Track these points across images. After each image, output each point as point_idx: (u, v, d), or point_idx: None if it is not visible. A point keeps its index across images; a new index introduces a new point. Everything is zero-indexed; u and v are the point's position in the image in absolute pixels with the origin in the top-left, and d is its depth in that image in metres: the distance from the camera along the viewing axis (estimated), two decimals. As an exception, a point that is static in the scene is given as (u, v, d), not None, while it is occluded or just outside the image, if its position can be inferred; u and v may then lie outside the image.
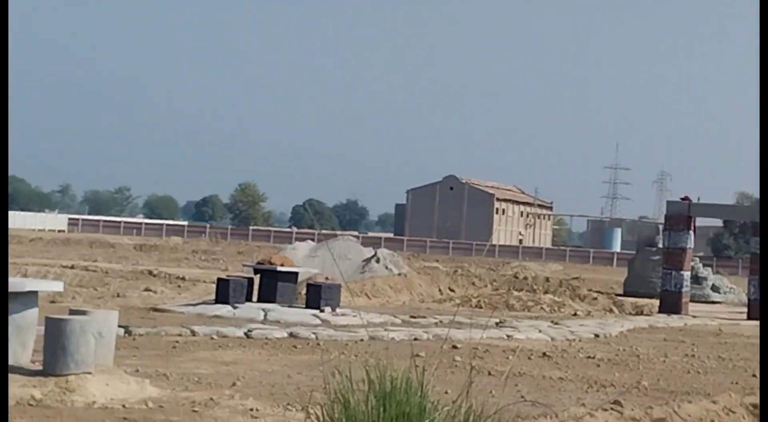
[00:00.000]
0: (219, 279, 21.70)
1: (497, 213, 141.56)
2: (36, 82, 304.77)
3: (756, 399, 11.99)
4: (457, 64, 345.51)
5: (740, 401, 11.86)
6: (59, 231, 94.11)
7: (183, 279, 29.66)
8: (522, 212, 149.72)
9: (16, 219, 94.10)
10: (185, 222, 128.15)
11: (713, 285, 39.06)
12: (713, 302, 36.97)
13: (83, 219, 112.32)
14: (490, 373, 13.39)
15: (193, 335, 15.96)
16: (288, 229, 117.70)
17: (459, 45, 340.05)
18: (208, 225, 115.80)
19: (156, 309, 20.20)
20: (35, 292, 10.60)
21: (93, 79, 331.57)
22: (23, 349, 10.39)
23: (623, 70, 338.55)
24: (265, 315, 19.63)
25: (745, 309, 29.85)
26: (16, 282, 10.56)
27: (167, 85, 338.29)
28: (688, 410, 11.11)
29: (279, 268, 21.78)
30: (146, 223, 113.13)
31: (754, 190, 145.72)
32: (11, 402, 9.13)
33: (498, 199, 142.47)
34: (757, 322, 27.46)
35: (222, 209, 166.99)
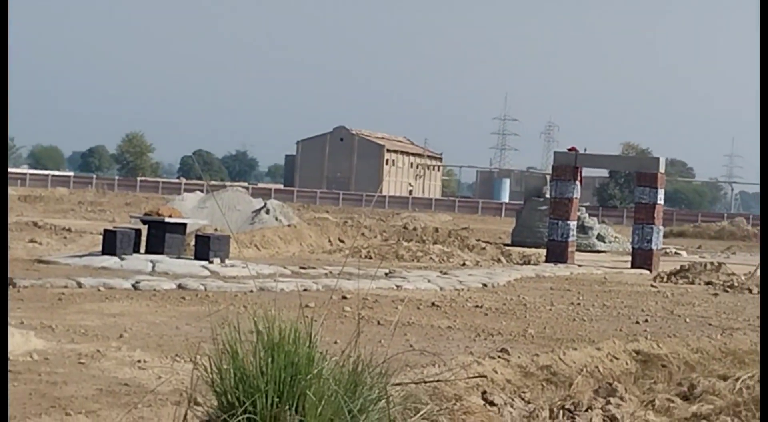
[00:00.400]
0: (106, 231, 21.44)
1: (387, 164, 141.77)
2: None
3: (638, 346, 12.25)
4: (346, 14, 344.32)
5: (623, 348, 12.10)
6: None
7: (69, 230, 29.22)
8: (412, 163, 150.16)
9: None
10: (71, 173, 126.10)
11: (599, 234, 39.63)
12: (598, 251, 37.54)
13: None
14: (379, 323, 13.46)
15: (80, 287, 15.77)
16: (176, 180, 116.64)
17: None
18: (94, 176, 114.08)
19: (41, 261, 19.90)
20: None
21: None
22: None
23: (513, 20, 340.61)
24: (153, 267, 19.47)
25: (629, 258, 30.40)
26: None
27: (53, 32, 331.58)
28: (573, 357, 11.30)
29: (167, 219, 21.58)
30: (31, 174, 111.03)
31: (639, 141, 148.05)
32: None
33: (388, 150, 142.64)
34: (641, 271, 28.02)
35: (109, 160, 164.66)
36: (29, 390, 8.12)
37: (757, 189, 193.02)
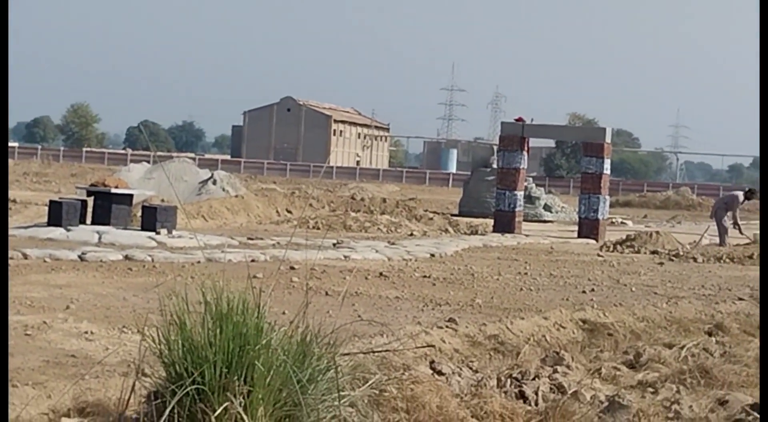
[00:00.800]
0: (51, 202, 21.25)
1: (334, 135, 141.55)
2: None
3: (585, 315, 12.34)
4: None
5: (570, 317, 12.19)
6: None
7: (14, 201, 28.92)
8: (359, 134, 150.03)
9: None
10: (15, 144, 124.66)
11: (545, 204, 39.82)
12: (545, 221, 37.73)
13: None
14: (327, 293, 13.45)
15: (25, 258, 15.63)
16: (122, 151, 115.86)
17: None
18: (39, 147, 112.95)
19: (-14, 233, 19.70)
20: None
21: None
22: None
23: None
24: (100, 238, 19.33)
25: (576, 228, 30.57)
26: None
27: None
28: (521, 326, 11.38)
29: (113, 190, 21.43)
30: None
31: (586, 111, 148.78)
32: None
33: (335, 121, 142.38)
34: (588, 240, 28.20)
35: (54, 130, 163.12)
36: (-25, 362, 8.05)
37: (702, 158, 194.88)
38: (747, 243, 26.42)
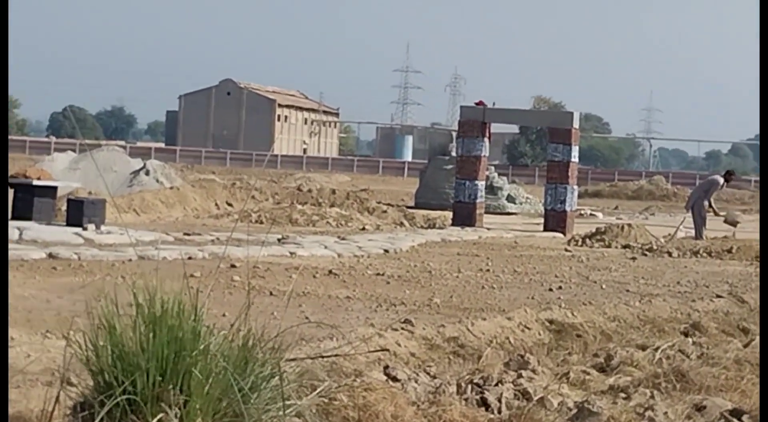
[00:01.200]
0: (-33, 195, 21.10)
1: (279, 120, 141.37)
2: None
3: (552, 315, 12.39)
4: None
5: (536, 317, 12.23)
6: None
7: (-74, 195, 28.71)
8: (306, 119, 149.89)
9: None
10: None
11: (509, 195, 39.98)
12: (509, 213, 37.87)
13: None
14: (271, 293, 13.44)
15: (-63, 258, 15.49)
16: (45, 139, 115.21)
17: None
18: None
19: None
20: None
21: None
22: None
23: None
24: (20, 234, 19.19)
25: (542, 221, 30.71)
26: None
27: None
28: (482, 327, 11.40)
29: (35, 182, 21.29)
30: None
31: (552, 95, 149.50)
32: None
33: (280, 105, 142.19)
34: (554, 234, 28.33)
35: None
36: None
37: (677, 145, 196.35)
38: (725, 237, 26.68)
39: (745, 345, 11.69)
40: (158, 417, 5.25)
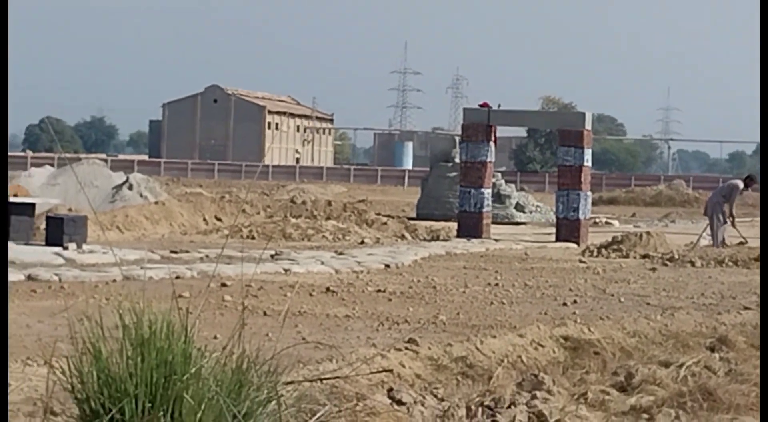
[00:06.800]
0: (-62, 215, 21.12)
1: (269, 128, 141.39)
2: None
3: (567, 331, 12.40)
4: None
5: (549, 333, 12.23)
6: None
7: None
8: (298, 126, 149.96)
9: None
10: None
11: (517, 203, 39.96)
12: (518, 223, 37.86)
13: None
14: (265, 313, 13.44)
15: None
16: (22, 154, 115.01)
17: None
18: None
19: None
20: None
21: None
22: None
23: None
24: (-3, 256, 19.21)
25: (553, 230, 30.66)
26: None
27: None
28: (492, 345, 11.40)
29: (12, 199, 21.31)
30: None
31: (561, 95, 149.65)
32: None
33: (270, 112, 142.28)
34: (567, 244, 28.31)
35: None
36: None
37: (697, 146, 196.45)
38: (739, 243, 26.70)
39: (775, 360, 11.68)
40: (148, 446, 5.27)
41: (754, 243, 26.94)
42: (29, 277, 16.44)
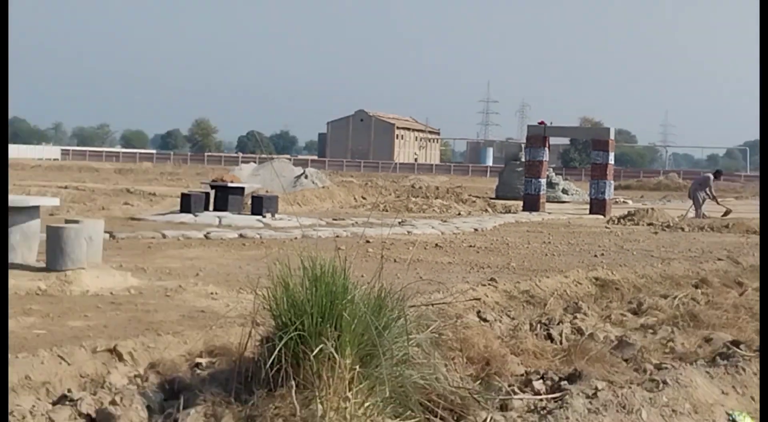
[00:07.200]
0: (183, 194, 21.45)
1: (397, 138, 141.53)
2: (36, 39, 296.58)
3: (597, 274, 12.23)
4: (358, 13, 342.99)
5: (585, 275, 12.09)
6: (54, 159, 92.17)
7: (154, 194, 29.27)
8: (416, 137, 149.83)
9: (20, 151, 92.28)
10: (154, 151, 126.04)
11: (563, 188, 39.52)
12: (564, 202, 37.44)
13: (73, 150, 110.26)
14: (395, 260, 13.46)
15: (164, 237, 15.79)
16: (235, 155, 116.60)
17: None
18: (172, 153, 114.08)
19: (133, 219, 19.93)
20: (37, 207, 10.41)
21: (82, 35, 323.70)
22: (30, 252, 10.22)
23: (492, 16, 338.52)
24: (220, 221, 19.48)
25: (588, 206, 30.31)
26: (21, 199, 10.36)
27: (138, 41, 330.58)
28: (546, 283, 11.30)
29: (229, 184, 21.59)
30: (123, 152, 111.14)
31: (594, 115, 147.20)
32: (21, 293, 8.99)
33: (398, 128, 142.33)
34: (597, 216, 27.94)
35: (182, 140, 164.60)
36: (129, 316, 8.15)
37: (686, 150, 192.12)
38: (723, 214, 26.26)
39: (740, 294, 11.46)
40: (320, 347, 5.29)
41: (737, 212, 26.56)
42: (241, 236, 16.64)
